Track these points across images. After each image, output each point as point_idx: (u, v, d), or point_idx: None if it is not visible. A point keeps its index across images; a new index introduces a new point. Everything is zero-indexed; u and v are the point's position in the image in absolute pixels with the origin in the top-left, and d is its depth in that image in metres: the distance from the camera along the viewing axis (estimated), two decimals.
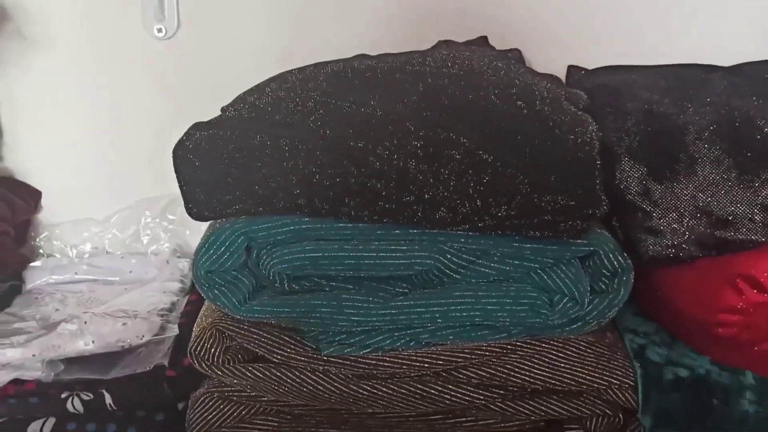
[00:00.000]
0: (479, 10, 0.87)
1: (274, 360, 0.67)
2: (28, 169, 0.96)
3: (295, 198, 0.61)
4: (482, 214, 0.61)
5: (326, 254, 0.63)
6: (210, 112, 0.88)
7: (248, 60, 0.89)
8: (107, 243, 0.94)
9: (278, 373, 0.67)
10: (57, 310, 0.79)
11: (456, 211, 0.61)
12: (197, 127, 0.62)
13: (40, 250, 0.94)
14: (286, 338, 0.67)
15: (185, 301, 0.82)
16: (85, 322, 0.70)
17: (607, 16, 0.86)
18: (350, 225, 0.64)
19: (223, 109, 0.80)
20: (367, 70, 0.64)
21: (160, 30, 0.87)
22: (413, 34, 0.87)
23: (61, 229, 0.95)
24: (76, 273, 0.90)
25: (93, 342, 0.68)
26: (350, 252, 0.64)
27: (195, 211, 0.64)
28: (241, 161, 0.61)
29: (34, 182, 0.96)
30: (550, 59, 0.85)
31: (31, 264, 0.90)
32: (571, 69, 0.83)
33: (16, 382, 0.69)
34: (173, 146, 0.63)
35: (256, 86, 0.77)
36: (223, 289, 0.66)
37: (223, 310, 0.66)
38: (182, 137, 0.63)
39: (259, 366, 0.67)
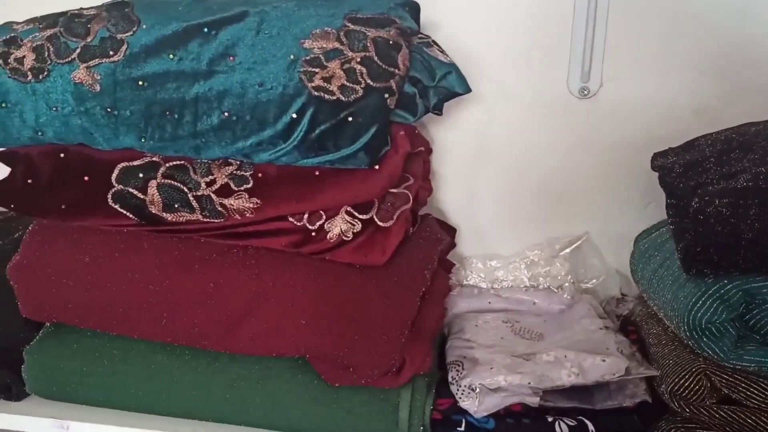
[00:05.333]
0: None
1: (749, 404, 0.73)
2: (446, 206, 1.06)
3: None
4: None
5: None
6: (626, 164, 0.96)
7: (662, 115, 0.95)
8: (512, 276, 1.03)
9: (754, 417, 0.72)
10: (502, 338, 0.90)
11: None
12: (719, 194, 0.69)
13: (455, 280, 1.04)
14: (764, 385, 0.72)
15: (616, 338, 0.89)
16: (565, 356, 0.79)
17: None
18: None
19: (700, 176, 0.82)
20: None
21: (583, 90, 0.96)
22: None
23: (472, 262, 1.04)
24: (489, 302, 0.99)
25: (577, 375, 0.77)
26: None
27: (698, 268, 0.71)
28: (758, 226, 0.67)
29: (451, 219, 1.06)
30: None
31: (450, 292, 1.01)
32: None
33: None
34: (692, 210, 0.69)
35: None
36: (713, 338, 0.72)
37: (711, 357, 0.73)
38: (702, 204, 0.69)
39: (735, 408, 0.73)
